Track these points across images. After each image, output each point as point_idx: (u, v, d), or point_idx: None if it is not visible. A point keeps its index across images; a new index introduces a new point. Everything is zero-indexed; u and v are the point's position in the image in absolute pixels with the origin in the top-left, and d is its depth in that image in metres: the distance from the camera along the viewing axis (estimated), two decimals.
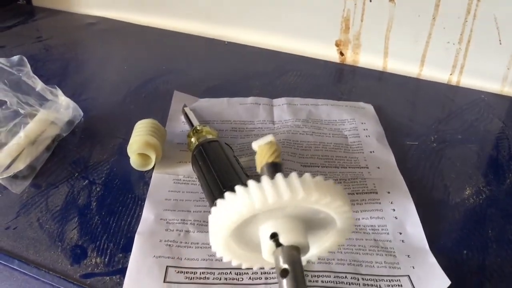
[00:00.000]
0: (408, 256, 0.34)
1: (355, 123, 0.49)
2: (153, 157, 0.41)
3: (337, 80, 0.62)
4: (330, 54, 0.65)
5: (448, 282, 0.31)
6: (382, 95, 0.58)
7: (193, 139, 0.43)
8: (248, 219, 0.26)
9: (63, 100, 0.49)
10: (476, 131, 0.49)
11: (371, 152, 0.45)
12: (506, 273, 0.34)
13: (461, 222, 0.38)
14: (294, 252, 0.27)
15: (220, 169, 0.37)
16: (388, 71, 0.63)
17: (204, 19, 0.70)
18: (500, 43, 0.55)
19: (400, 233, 0.36)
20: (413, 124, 0.51)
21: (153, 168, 0.42)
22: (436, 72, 0.60)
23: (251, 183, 0.26)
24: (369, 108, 0.52)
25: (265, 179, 0.26)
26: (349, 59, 0.65)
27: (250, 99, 0.53)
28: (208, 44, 0.68)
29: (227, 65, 0.62)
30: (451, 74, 0.59)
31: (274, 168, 0.32)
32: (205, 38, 0.69)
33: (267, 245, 0.27)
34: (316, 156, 0.44)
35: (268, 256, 0.27)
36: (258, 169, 0.33)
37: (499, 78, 0.57)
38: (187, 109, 0.49)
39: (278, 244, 0.27)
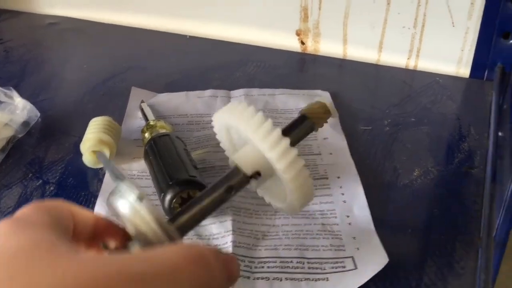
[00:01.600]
0: (354, 238, 0.35)
1: None
2: (106, 154, 0.42)
3: (298, 70, 0.63)
4: (291, 44, 0.66)
5: (386, 260, 0.32)
6: (342, 83, 0.58)
7: (146, 134, 0.43)
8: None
9: (19, 101, 0.49)
10: (428, 113, 0.50)
11: (324, 138, 0.46)
12: (448, 249, 0.35)
13: (408, 203, 0.39)
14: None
15: (168, 162, 0.37)
16: (348, 59, 0.63)
17: (166, 14, 0.70)
18: (453, 26, 0.56)
19: (348, 216, 0.37)
20: (369, 110, 0.51)
21: None
22: (394, 57, 0.61)
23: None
24: (326, 95, 0.53)
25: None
26: (310, 48, 0.65)
27: (208, 92, 0.54)
28: (170, 39, 0.68)
29: (188, 59, 0.62)
30: (408, 58, 0.60)
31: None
32: (167, 33, 0.69)
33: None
34: None
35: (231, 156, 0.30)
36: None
37: (455, 60, 0.58)
38: (143, 105, 0.49)
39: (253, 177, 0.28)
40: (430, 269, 0.33)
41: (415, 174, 0.41)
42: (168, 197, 0.34)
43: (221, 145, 0.34)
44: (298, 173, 0.27)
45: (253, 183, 0.28)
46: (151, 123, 0.44)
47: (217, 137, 0.33)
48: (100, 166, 0.42)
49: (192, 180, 0.35)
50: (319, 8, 0.62)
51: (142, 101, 0.50)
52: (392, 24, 0.59)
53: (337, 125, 0.48)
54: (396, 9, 0.58)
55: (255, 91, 0.54)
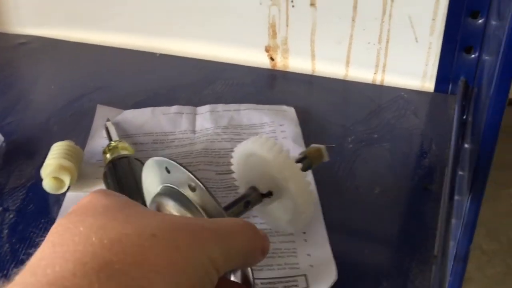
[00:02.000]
0: (309, 255, 0.35)
1: (274, 125, 0.51)
2: (66, 180, 0.42)
3: (268, 86, 0.63)
4: (261, 60, 0.66)
5: (335, 278, 0.32)
6: (311, 99, 0.59)
7: (108, 155, 0.43)
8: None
9: None
10: (392, 129, 0.50)
11: None
12: (404, 268, 0.35)
13: (367, 222, 0.39)
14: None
15: (124, 186, 0.37)
16: (317, 74, 0.64)
17: (137, 32, 0.70)
18: (417, 41, 0.57)
19: (304, 233, 0.37)
20: (334, 127, 0.52)
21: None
22: (361, 72, 0.61)
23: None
24: (291, 110, 0.53)
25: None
26: (280, 64, 0.66)
27: (173, 108, 0.54)
28: (140, 57, 0.68)
29: (156, 77, 0.63)
30: (375, 73, 0.61)
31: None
32: (137, 51, 0.69)
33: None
34: None
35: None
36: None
37: (419, 74, 0.59)
38: (108, 123, 0.49)
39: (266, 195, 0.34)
40: None
41: (375, 192, 0.42)
42: None
43: (233, 168, 0.38)
44: (306, 190, 0.33)
45: (265, 201, 0.34)
46: (113, 143, 0.44)
47: (233, 162, 0.38)
48: (61, 191, 0.42)
49: (145, 205, 0.35)
50: (287, 25, 0.63)
51: (108, 120, 0.51)
52: (358, 40, 0.60)
53: (300, 139, 0.48)
54: (361, 25, 0.59)
55: (220, 107, 0.54)
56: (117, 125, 0.50)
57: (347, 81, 0.62)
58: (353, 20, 0.59)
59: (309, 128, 0.51)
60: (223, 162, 0.45)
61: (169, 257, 0.20)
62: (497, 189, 1.51)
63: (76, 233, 0.20)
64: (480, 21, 0.52)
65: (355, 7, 0.58)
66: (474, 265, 1.30)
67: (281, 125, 0.50)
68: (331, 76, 0.62)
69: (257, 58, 0.66)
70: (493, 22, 0.48)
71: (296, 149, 0.46)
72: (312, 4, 0.60)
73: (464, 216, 0.41)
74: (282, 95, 0.59)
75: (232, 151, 0.47)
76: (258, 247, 0.24)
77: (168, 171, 0.28)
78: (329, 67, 0.63)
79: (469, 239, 0.42)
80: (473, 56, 0.55)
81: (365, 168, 0.45)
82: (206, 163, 0.45)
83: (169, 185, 0.29)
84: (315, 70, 0.64)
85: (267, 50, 0.66)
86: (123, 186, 0.37)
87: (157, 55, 0.68)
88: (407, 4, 0.55)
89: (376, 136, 0.49)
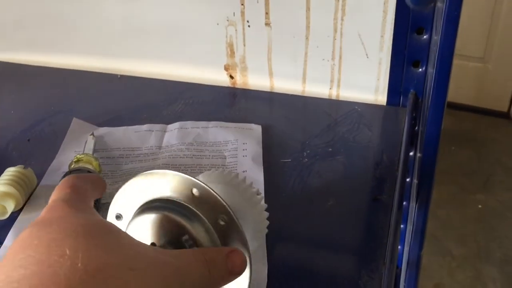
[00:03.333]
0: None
1: (237, 143, 0.52)
2: (9, 207, 0.42)
3: (228, 105, 0.65)
4: (221, 78, 0.68)
5: None
6: (270, 115, 0.60)
7: (72, 166, 0.45)
8: None
9: None
10: (345, 142, 0.52)
11: (243, 171, 0.47)
12: (355, 277, 0.36)
13: (319, 235, 0.40)
14: None
15: None
16: (275, 91, 0.66)
17: (98, 54, 0.71)
18: (367, 57, 0.59)
19: None
20: (291, 142, 0.53)
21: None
22: (317, 87, 0.64)
23: None
24: (257, 129, 0.55)
25: None
26: (239, 81, 0.67)
27: (144, 127, 0.55)
28: (100, 79, 0.68)
29: (118, 99, 0.63)
30: (330, 89, 0.63)
31: None
32: (98, 73, 0.70)
33: None
34: None
35: None
36: None
37: (372, 88, 0.61)
38: (90, 137, 0.51)
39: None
40: None
41: (328, 204, 0.43)
42: None
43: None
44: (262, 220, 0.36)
45: None
46: (79, 156, 0.46)
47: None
48: (3, 217, 0.42)
49: None
50: (244, 44, 0.64)
51: (92, 134, 0.52)
52: (312, 57, 0.62)
53: (259, 157, 0.50)
54: (314, 43, 0.61)
55: (189, 124, 0.55)
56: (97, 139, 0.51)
57: (305, 96, 0.64)
58: (307, 38, 0.61)
59: (268, 144, 0.52)
60: None
61: None
62: (465, 195, 1.55)
63: (61, 254, 0.22)
64: (425, 36, 0.55)
65: (308, 26, 0.60)
66: (444, 271, 1.33)
67: (244, 143, 0.51)
68: (289, 93, 0.64)
69: (217, 77, 0.68)
70: (435, 37, 0.51)
71: (253, 168, 0.48)
72: (267, 24, 0.62)
73: (414, 223, 0.43)
74: (242, 113, 0.61)
75: (191, 167, 0.48)
76: (222, 273, 0.27)
77: (193, 193, 0.30)
78: (287, 83, 0.65)
79: (420, 246, 0.43)
80: (420, 70, 0.57)
81: (319, 181, 0.46)
82: None
83: (191, 207, 0.30)
84: (274, 87, 0.66)
85: (226, 68, 0.67)
86: None
87: (118, 76, 0.69)
88: (356, 22, 0.58)
89: (330, 149, 0.51)
